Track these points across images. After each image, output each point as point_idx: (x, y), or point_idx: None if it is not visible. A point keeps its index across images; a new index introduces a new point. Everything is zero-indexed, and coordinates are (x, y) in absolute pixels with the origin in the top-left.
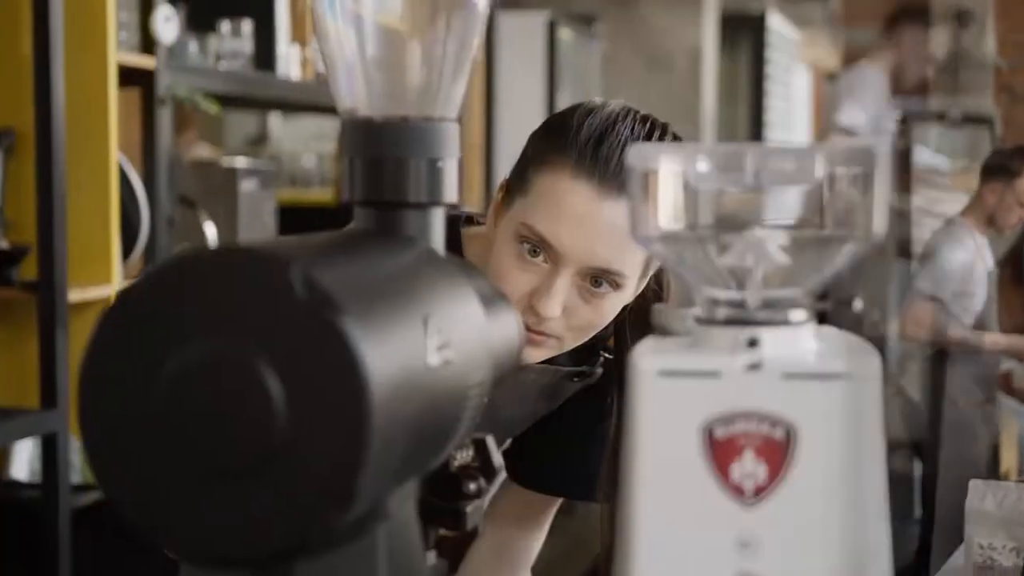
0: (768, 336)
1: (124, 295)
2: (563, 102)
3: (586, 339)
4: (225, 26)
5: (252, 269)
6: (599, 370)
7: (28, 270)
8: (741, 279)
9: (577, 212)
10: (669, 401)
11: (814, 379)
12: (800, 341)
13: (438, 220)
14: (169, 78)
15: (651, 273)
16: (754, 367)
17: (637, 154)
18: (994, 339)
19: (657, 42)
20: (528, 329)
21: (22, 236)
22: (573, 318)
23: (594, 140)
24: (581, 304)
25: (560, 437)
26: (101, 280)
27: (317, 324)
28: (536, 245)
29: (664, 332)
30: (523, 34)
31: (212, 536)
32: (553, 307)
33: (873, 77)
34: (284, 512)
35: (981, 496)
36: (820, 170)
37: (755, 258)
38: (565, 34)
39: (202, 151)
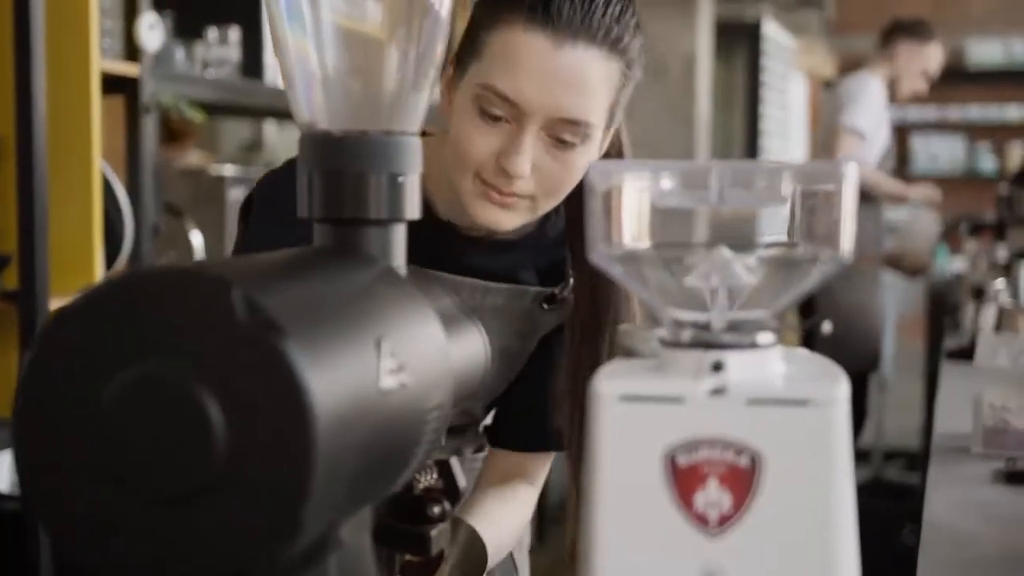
0: (734, 360)
1: (62, 315)
2: None
3: (557, 201)
4: (212, 33)
5: (193, 290)
6: (569, 295)
7: (9, 279)
8: (706, 300)
9: (535, 64)
10: (630, 427)
11: (780, 405)
12: (767, 364)
13: (399, 236)
14: (154, 86)
15: (615, 126)
16: (718, 392)
17: (598, 172)
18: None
19: (652, 49)
20: (500, 192)
21: (3, 245)
22: (543, 176)
23: None
24: (549, 161)
25: (536, 392)
26: (83, 289)
27: (259, 348)
28: (497, 106)
29: (629, 353)
30: None
31: (154, 565)
32: (522, 164)
33: (874, 85)
34: (227, 542)
35: (992, 351)
36: (787, 189)
37: (721, 279)
38: None
39: (195, 158)
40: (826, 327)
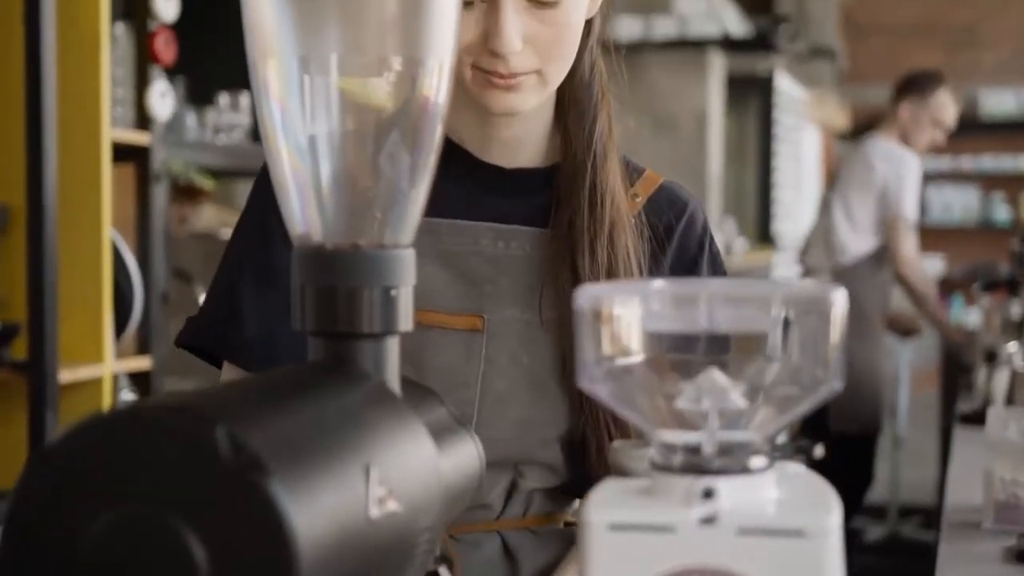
0: (725, 486)
1: (46, 453)
2: None
3: (567, 65)
4: (223, 99)
5: (177, 428)
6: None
7: (18, 349)
8: (697, 421)
9: None
10: (621, 556)
11: (772, 535)
12: (759, 490)
13: (392, 350)
14: (164, 153)
15: None
16: (709, 521)
17: (587, 295)
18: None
19: (663, 104)
20: (500, 76)
21: (14, 314)
22: (539, 44)
23: None
24: (538, 26)
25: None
26: (93, 359)
27: (242, 487)
28: None
29: (622, 471)
30: None
31: None
32: (509, 41)
33: (913, 163)
34: None
35: (1002, 423)
36: (776, 313)
37: (711, 402)
38: None
39: (209, 215)
40: (818, 451)
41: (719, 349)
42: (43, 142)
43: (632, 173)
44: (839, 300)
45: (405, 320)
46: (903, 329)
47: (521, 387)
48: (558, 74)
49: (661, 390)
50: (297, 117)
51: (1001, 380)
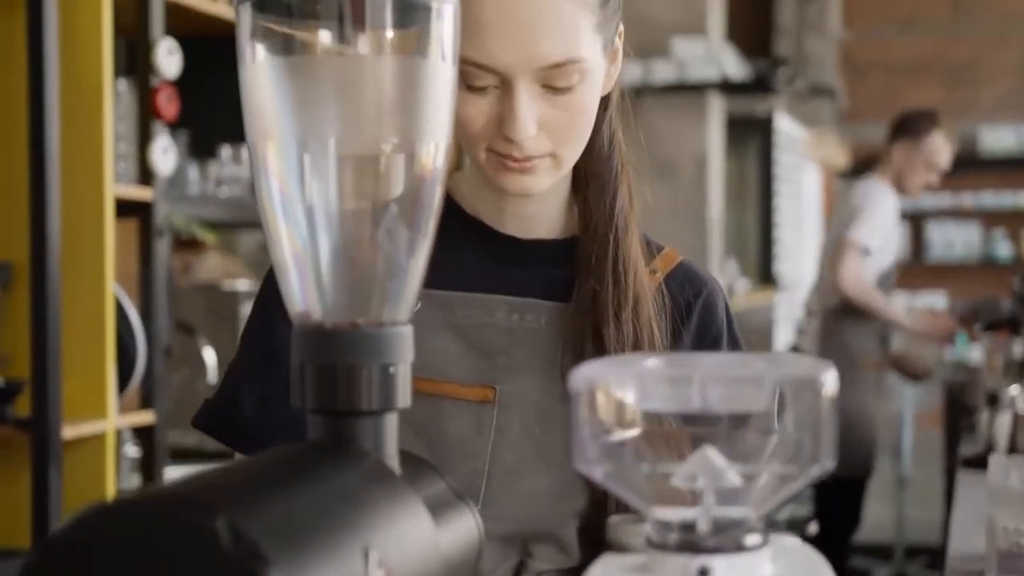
0: (720, 564)
1: (49, 543)
2: None
3: (582, 146)
4: (225, 152)
5: (178, 517)
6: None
7: (22, 406)
8: (692, 498)
9: (495, 20)
10: None
11: None
12: (755, 568)
13: (391, 426)
14: (167, 208)
15: (617, 37)
16: None
17: (582, 377)
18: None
19: (663, 148)
20: (514, 160)
21: (18, 371)
22: (553, 129)
23: None
24: (552, 111)
25: None
26: (96, 415)
27: None
28: (478, 77)
29: (619, 547)
30: None
31: None
32: (525, 126)
33: (883, 195)
34: None
35: (1004, 472)
36: (767, 397)
37: (706, 480)
38: None
39: (214, 264)
40: (812, 528)
41: (714, 427)
42: (46, 199)
43: (652, 248)
44: (830, 380)
45: (403, 396)
46: (911, 372)
47: (532, 459)
48: (572, 156)
49: (656, 468)
50: (296, 197)
51: (1003, 424)
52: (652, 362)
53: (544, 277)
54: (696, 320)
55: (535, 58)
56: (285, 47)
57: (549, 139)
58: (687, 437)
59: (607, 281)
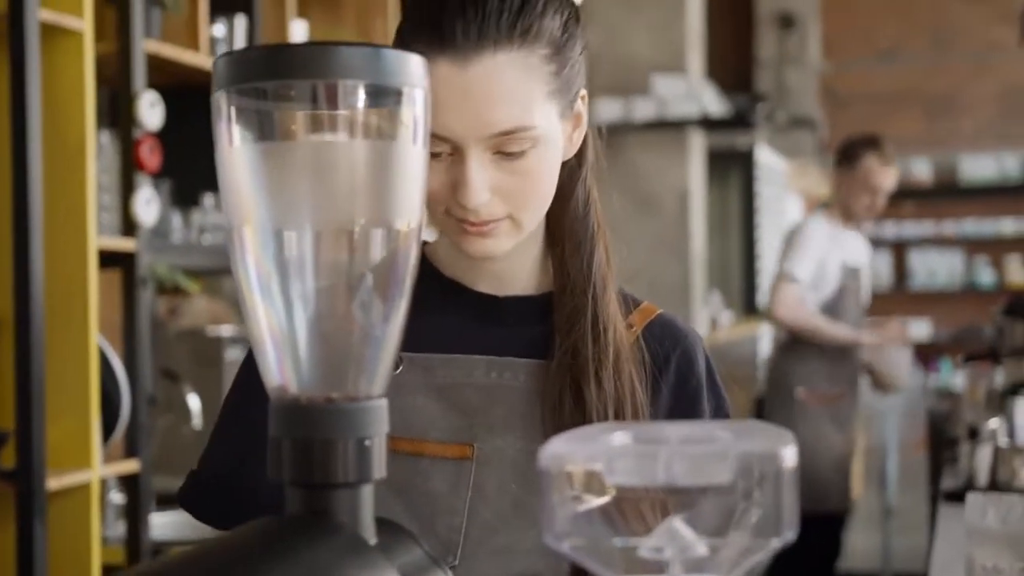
0: None
1: None
2: None
3: (542, 208)
4: (208, 200)
5: None
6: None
7: (7, 458)
8: (659, 568)
9: (446, 91)
10: None
11: None
12: None
13: (367, 497)
14: (150, 257)
15: (576, 104)
16: None
17: (550, 454)
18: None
19: (645, 184)
20: (471, 224)
21: (3, 422)
22: (507, 193)
23: (432, 13)
24: (506, 177)
25: None
26: (80, 465)
27: None
28: (431, 145)
29: None
30: None
31: None
32: (477, 193)
33: (814, 228)
34: None
35: (981, 511)
36: (730, 472)
37: (673, 551)
38: None
39: (200, 308)
40: None
41: (679, 499)
42: (30, 250)
43: (629, 303)
44: (789, 454)
45: (379, 468)
46: (879, 386)
47: (509, 516)
48: (532, 218)
49: (624, 540)
50: (272, 276)
51: (984, 457)
52: (619, 436)
53: (522, 334)
54: (674, 373)
55: (485, 126)
56: (261, 133)
57: (504, 203)
58: (654, 508)
59: (586, 339)
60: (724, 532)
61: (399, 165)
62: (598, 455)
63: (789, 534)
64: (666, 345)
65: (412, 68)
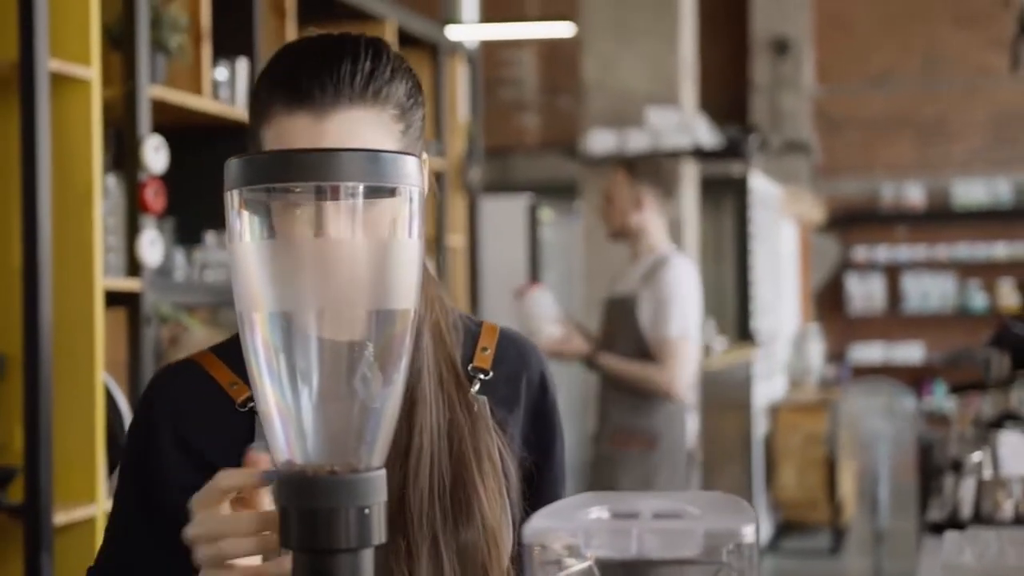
0: None
1: None
2: (547, 278)
3: None
4: (210, 237)
5: None
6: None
7: (14, 493)
8: None
9: (303, 142)
10: None
11: None
12: None
13: (367, 561)
14: (154, 296)
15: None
16: None
17: (532, 531)
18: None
19: None
20: None
21: (11, 459)
22: None
23: (291, 72)
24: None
25: None
26: (86, 500)
27: None
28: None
29: None
30: (506, 215)
31: None
32: None
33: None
34: None
35: (958, 549)
36: (698, 546)
37: None
38: (546, 214)
39: (200, 336)
40: None
41: (652, 571)
42: (39, 292)
43: (471, 326)
44: (749, 532)
45: (379, 534)
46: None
47: None
48: None
49: None
50: (281, 361)
51: (968, 490)
52: (596, 513)
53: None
54: (525, 389)
55: None
56: (269, 230)
57: None
58: None
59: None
60: None
61: (396, 256)
62: (576, 531)
63: None
64: (517, 363)
65: (407, 169)
